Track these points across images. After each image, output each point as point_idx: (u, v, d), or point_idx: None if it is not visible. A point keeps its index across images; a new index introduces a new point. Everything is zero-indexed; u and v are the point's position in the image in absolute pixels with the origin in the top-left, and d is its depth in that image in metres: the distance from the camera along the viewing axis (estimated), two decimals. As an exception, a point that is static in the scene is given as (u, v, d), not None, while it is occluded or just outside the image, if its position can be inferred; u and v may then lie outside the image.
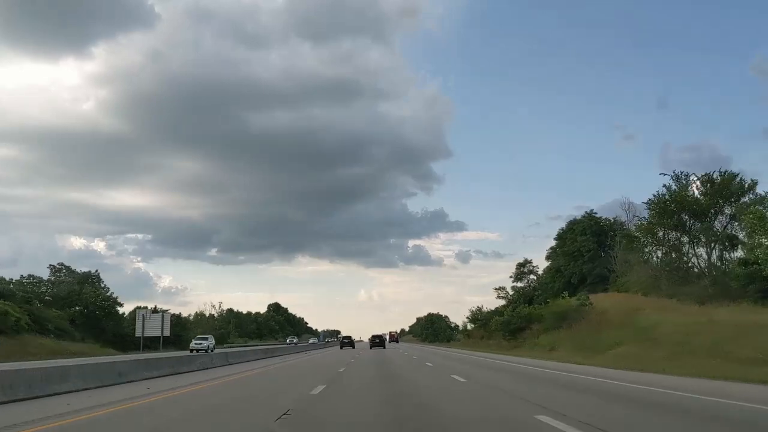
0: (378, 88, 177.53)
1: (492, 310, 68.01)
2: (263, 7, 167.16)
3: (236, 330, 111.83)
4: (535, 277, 74.94)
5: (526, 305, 56.13)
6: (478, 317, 71.08)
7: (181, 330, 67.50)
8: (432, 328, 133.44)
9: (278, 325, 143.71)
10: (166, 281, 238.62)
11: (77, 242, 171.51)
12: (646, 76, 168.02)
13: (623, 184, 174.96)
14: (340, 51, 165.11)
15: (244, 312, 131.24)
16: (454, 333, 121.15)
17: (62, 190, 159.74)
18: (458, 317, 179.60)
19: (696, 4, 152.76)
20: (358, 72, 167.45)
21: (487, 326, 62.44)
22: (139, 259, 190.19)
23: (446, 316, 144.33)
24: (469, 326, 79.02)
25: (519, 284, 76.43)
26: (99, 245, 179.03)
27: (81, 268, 69.26)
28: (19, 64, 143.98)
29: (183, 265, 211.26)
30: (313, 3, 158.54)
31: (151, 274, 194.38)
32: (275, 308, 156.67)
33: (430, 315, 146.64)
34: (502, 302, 72.76)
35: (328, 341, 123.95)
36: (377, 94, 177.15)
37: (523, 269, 77.38)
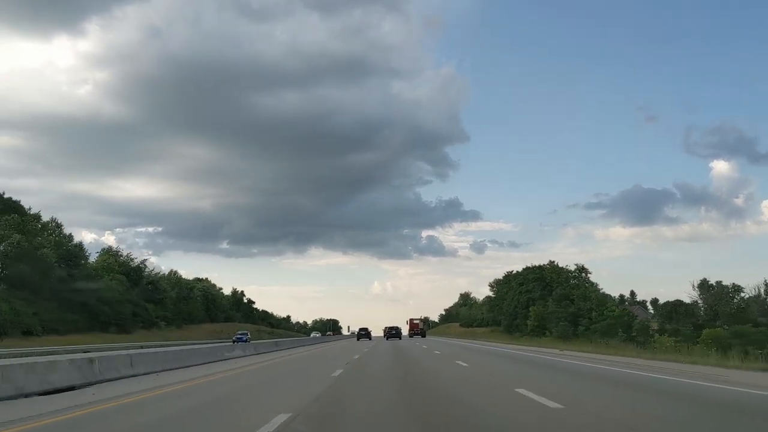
0: (391, 66, 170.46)
1: None
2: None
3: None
4: None
5: None
6: None
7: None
8: (562, 299, 51.45)
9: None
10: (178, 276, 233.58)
11: (87, 236, 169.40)
12: (670, 55, 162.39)
13: (643, 170, 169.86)
14: (351, 22, 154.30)
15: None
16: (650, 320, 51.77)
17: (68, 181, 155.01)
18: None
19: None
20: (371, 47, 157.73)
21: None
22: (150, 252, 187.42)
23: (586, 269, 60.74)
24: None
25: None
26: (109, 239, 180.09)
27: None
28: (10, 42, 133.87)
29: (195, 259, 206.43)
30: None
31: (163, 267, 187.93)
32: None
33: (535, 269, 65.50)
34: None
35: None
36: (391, 73, 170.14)
37: None
